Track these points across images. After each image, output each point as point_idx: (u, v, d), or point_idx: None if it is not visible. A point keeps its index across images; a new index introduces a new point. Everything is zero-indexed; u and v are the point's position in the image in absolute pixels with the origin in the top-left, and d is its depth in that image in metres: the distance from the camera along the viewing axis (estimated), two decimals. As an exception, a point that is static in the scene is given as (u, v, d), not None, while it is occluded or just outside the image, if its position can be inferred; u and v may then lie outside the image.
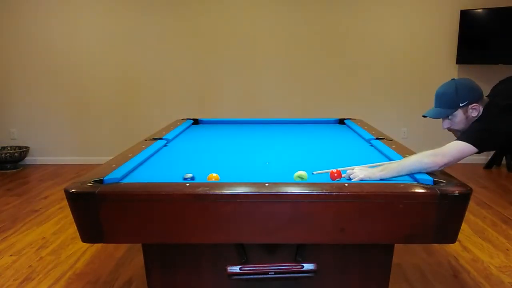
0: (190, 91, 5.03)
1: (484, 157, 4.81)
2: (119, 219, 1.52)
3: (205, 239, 1.55)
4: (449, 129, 1.90)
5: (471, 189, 1.52)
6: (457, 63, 4.81)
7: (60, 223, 3.25)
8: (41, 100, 5.04)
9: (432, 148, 1.75)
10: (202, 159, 2.20)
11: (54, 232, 3.10)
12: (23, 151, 4.93)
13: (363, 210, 1.50)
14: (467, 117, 1.81)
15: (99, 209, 1.50)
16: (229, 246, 1.73)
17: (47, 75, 5.00)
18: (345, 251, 1.77)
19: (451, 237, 1.54)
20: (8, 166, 4.86)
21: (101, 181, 1.63)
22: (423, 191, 1.51)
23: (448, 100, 1.82)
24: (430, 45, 4.89)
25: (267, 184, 1.55)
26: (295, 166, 1.97)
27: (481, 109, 1.80)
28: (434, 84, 2.05)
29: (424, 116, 1.91)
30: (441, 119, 1.88)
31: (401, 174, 1.71)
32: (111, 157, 2.07)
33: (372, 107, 4.96)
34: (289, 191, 1.51)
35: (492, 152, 4.81)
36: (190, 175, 1.73)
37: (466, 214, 1.53)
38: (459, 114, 1.81)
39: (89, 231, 1.54)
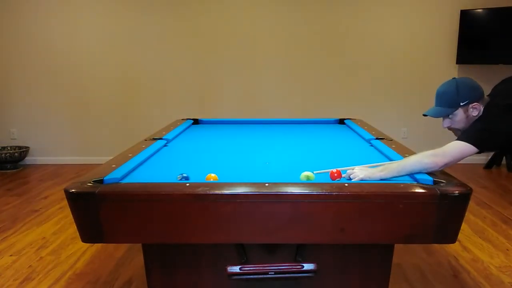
0: (190, 91, 5.03)
1: (484, 157, 4.81)
2: (119, 219, 1.52)
3: (205, 239, 1.55)
4: (450, 128, 1.89)
5: (471, 189, 1.52)
6: (457, 63, 4.82)
7: (60, 223, 3.25)
8: (41, 100, 5.04)
9: (432, 148, 1.74)
10: (202, 159, 2.20)
11: (54, 232, 3.10)
12: (23, 151, 4.93)
13: (363, 210, 1.49)
14: (467, 116, 1.80)
15: (99, 209, 1.50)
16: (229, 246, 1.73)
17: (47, 75, 5.00)
18: (345, 251, 1.77)
19: (451, 237, 1.53)
20: (8, 166, 4.86)
21: (101, 181, 1.63)
22: (423, 191, 1.51)
23: (448, 99, 1.81)
24: (430, 45, 4.89)
25: (267, 184, 1.55)
26: (295, 166, 1.97)
27: (482, 109, 1.80)
28: (434, 84, 2.04)
29: (424, 115, 1.91)
30: (442, 118, 1.88)
31: (401, 174, 1.70)
32: (111, 157, 2.07)
33: (372, 107, 4.96)
34: (289, 191, 1.51)
35: (492, 152, 4.81)
36: (184, 175, 1.72)
37: (466, 214, 1.53)
38: (459, 113, 1.80)
39: (89, 231, 1.54)
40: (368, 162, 1.89)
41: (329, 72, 4.97)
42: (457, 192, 1.49)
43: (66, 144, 5.13)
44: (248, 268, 1.61)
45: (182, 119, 3.48)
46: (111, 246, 2.80)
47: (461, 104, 1.79)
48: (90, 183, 1.59)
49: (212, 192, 1.50)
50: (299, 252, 1.69)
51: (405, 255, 2.67)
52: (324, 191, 1.50)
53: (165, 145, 2.49)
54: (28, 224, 3.25)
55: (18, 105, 5.07)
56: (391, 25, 4.88)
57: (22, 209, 3.59)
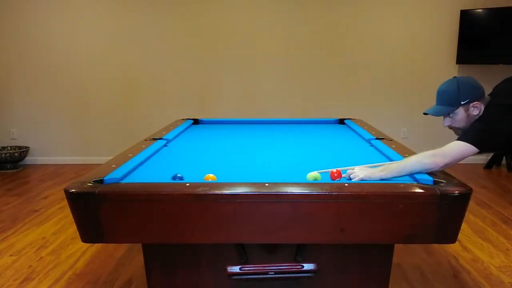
0: (190, 91, 5.03)
1: (484, 157, 4.81)
2: (119, 219, 1.52)
3: (205, 239, 1.54)
4: (450, 127, 1.89)
5: (471, 189, 1.52)
6: (457, 63, 4.82)
7: (60, 223, 3.25)
8: (41, 100, 5.04)
9: (432, 148, 1.74)
10: (202, 159, 2.20)
11: (54, 232, 3.10)
12: (23, 151, 4.93)
13: (363, 210, 1.49)
14: (468, 115, 1.80)
15: (99, 209, 1.50)
16: (229, 246, 1.72)
17: (47, 75, 5.00)
18: (345, 251, 1.77)
19: (451, 237, 1.53)
20: (8, 166, 4.86)
21: (101, 181, 1.63)
22: (423, 191, 1.51)
23: (449, 98, 1.81)
24: (430, 45, 4.89)
25: (267, 184, 1.55)
26: (295, 166, 1.97)
27: (482, 108, 1.79)
28: (434, 84, 2.04)
29: (425, 114, 1.91)
30: (442, 117, 1.88)
31: (401, 174, 1.70)
32: (111, 157, 2.06)
33: (372, 107, 4.96)
34: (289, 191, 1.51)
35: (492, 152, 4.80)
36: (178, 175, 1.72)
37: (466, 214, 1.53)
38: (460, 112, 1.80)
39: (89, 231, 1.54)
40: (368, 162, 1.89)
41: (329, 72, 4.97)
42: (457, 192, 1.49)
43: (66, 144, 5.13)
44: (248, 268, 1.61)
45: (182, 119, 3.48)
46: (111, 246, 2.80)
47: (462, 103, 1.78)
48: (90, 183, 1.59)
49: (212, 192, 1.50)
50: (299, 252, 1.69)
51: (405, 255, 2.67)
52: (324, 191, 1.50)
53: (165, 145, 2.49)
54: (28, 224, 3.25)
55: (18, 105, 5.07)
56: (391, 25, 4.88)
57: (22, 209, 3.59)
